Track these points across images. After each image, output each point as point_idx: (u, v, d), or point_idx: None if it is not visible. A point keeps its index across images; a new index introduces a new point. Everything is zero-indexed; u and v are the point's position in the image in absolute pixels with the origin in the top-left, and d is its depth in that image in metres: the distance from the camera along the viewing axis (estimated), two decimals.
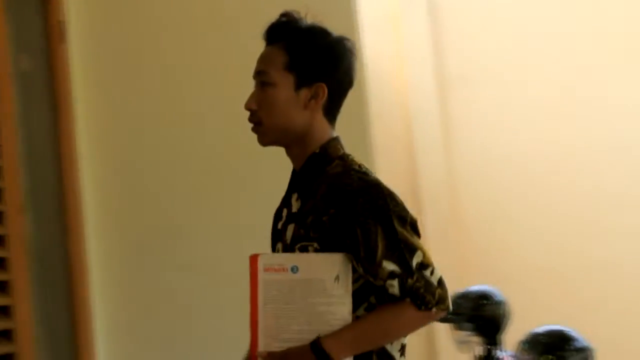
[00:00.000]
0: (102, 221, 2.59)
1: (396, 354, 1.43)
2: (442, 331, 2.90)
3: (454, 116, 3.61)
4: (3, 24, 2.23)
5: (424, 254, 1.37)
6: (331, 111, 1.48)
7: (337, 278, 1.36)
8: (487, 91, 3.54)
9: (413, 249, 1.36)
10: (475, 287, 2.47)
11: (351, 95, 1.57)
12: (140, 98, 2.68)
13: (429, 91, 3.57)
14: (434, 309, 1.35)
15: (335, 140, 1.48)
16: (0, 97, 2.20)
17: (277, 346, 1.36)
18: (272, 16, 1.58)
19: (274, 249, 1.53)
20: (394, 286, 1.34)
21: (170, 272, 2.61)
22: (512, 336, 2.32)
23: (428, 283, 1.35)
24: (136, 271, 2.62)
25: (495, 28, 3.55)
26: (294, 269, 1.35)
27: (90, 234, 2.59)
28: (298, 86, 1.43)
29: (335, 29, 1.57)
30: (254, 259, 1.37)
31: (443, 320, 1.67)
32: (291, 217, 1.47)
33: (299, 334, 1.35)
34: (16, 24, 2.32)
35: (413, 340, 1.56)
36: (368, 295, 1.41)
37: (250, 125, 1.50)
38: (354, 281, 1.38)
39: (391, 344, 1.41)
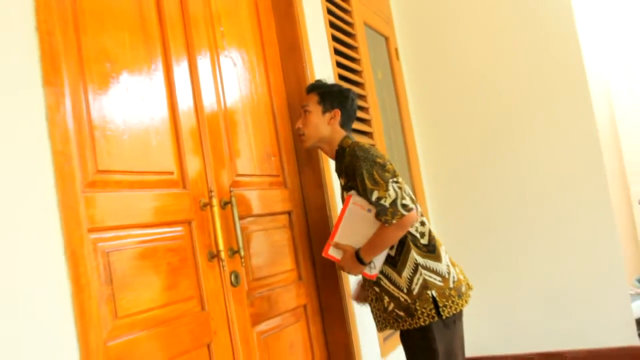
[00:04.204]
0: (434, 172, 3.75)
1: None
2: None
3: None
4: (367, 54, 3.43)
5: (379, 190, 2.08)
6: (345, 125, 2.30)
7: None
8: None
9: (372, 190, 2.09)
10: None
11: None
12: (452, 96, 3.79)
13: None
14: (392, 223, 2.07)
15: (346, 137, 2.28)
16: (370, 96, 3.33)
17: (345, 242, 2.17)
18: None
19: (342, 195, 2.27)
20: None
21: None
22: None
23: (383, 208, 2.08)
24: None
25: None
26: (369, 210, 2.12)
27: (424, 174, 3.80)
28: (323, 112, 2.29)
29: None
30: (349, 196, 2.15)
31: None
32: (343, 187, 2.25)
33: (356, 241, 2.16)
34: (373, 52, 3.58)
35: None
36: None
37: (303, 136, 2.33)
38: None
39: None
